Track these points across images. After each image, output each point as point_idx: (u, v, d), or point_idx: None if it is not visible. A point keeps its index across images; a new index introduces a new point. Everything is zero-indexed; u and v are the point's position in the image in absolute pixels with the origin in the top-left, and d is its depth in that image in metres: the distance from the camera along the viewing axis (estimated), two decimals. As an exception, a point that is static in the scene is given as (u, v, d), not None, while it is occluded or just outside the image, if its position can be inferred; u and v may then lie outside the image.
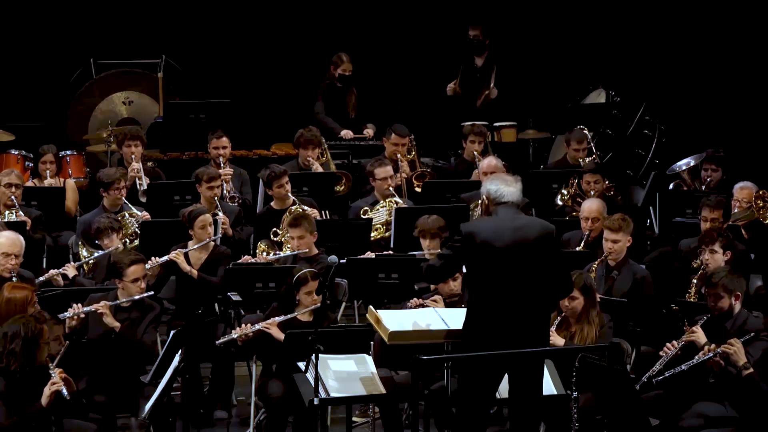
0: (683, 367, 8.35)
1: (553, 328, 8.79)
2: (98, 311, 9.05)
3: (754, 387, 8.18)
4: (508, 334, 7.56)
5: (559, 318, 8.88)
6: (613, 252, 9.96)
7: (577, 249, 10.48)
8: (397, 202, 11.47)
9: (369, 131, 13.64)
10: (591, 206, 10.73)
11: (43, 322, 8.01)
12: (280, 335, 8.96)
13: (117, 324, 9.07)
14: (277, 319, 9.09)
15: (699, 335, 8.49)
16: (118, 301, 9.19)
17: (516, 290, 7.60)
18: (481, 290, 7.65)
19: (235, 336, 9.06)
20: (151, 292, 9.42)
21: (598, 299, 9.08)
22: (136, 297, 9.21)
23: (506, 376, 7.74)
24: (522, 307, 7.60)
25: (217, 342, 9.09)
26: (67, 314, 8.99)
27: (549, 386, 8.20)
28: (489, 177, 7.96)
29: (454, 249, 7.71)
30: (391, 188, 11.62)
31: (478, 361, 7.58)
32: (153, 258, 10.12)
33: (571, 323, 8.90)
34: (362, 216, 11.50)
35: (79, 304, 9.08)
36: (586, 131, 12.94)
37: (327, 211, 11.88)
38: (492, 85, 14.24)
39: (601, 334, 8.79)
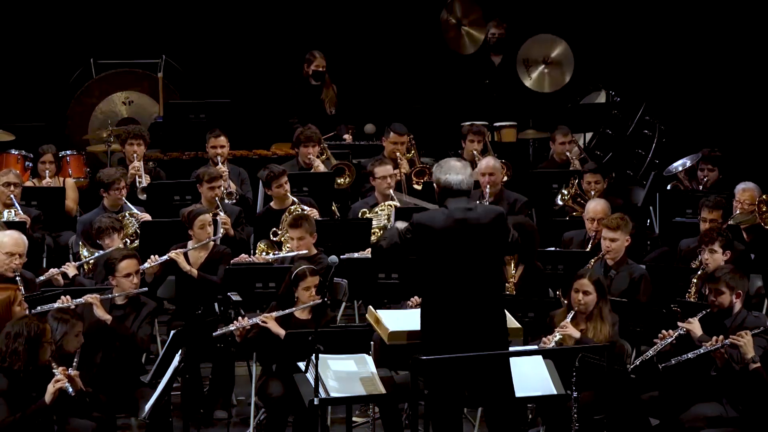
0: (690, 355, 8.35)
1: (567, 320, 8.79)
2: (88, 301, 9.06)
3: (759, 382, 8.18)
4: (464, 328, 7.56)
5: (571, 313, 8.86)
6: (611, 251, 9.96)
7: (586, 250, 10.48)
8: (396, 206, 11.45)
9: (348, 136, 13.68)
10: (596, 207, 10.72)
11: (46, 322, 8.02)
12: (279, 330, 8.96)
13: (108, 317, 9.06)
14: (275, 313, 9.09)
15: (695, 326, 8.49)
16: (110, 295, 9.19)
17: (468, 281, 7.60)
18: (432, 283, 7.66)
19: (232, 328, 9.06)
20: (145, 289, 9.41)
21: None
22: (130, 292, 9.21)
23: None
24: (476, 297, 7.60)
25: (213, 334, 9.07)
26: (55, 305, 8.97)
27: (549, 386, 8.20)
28: (438, 164, 7.95)
29: (405, 240, 7.68)
30: (391, 187, 11.62)
31: (442, 360, 7.57)
32: (152, 256, 10.13)
33: (580, 320, 8.87)
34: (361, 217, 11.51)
35: (68, 296, 9.08)
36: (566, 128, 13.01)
37: (335, 208, 11.90)
38: None
39: (613, 332, 8.78)
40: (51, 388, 7.83)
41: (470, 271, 7.63)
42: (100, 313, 9.07)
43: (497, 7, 14.69)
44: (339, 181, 12.38)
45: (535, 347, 8.54)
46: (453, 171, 7.77)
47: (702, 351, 8.35)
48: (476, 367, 7.63)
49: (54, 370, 7.89)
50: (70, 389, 7.84)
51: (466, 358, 7.53)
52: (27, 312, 8.64)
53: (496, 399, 7.73)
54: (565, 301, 9.25)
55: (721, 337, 8.34)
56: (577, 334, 8.73)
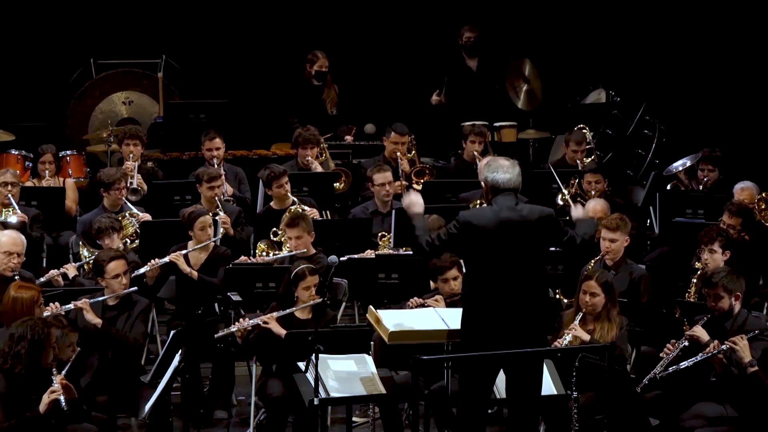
0: (687, 363, 8.34)
1: (576, 322, 8.78)
2: (77, 306, 9.05)
3: (758, 385, 8.17)
4: (506, 325, 7.59)
5: (580, 314, 8.85)
6: (610, 251, 9.94)
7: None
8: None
9: (349, 138, 13.67)
10: (595, 206, 10.71)
11: (51, 326, 7.99)
12: (280, 330, 8.96)
13: (98, 320, 9.06)
14: (275, 313, 9.09)
15: (701, 333, 8.46)
16: (100, 298, 9.18)
17: (513, 278, 7.63)
18: (477, 280, 7.70)
19: (233, 329, 9.06)
20: (135, 288, 9.39)
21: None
22: (120, 293, 9.19)
23: (504, 374, 7.77)
24: (517, 295, 7.63)
25: (215, 336, 9.07)
26: (45, 314, 8.94)
27: (549, 386, 8.20)
28: (487, 163, 8.00)
29: (450, 236, 7.72)
30: (389, 195, 11.59)
31: (476, 356, 7.60)
32: (153, 260, 10.12)
33: (588, 321, 8.86)
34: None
35: (57, 303, 9.06)
36: (586, 131, 12.95)
37: (328, 211, 11.88)
38: None
39: (620, 335, 8.77)
40: (46, 398, 7.74)
41: (513, 270, 7.65)
42: (90, 317, 9.06)
43: (473, 9, 14.72)
44: (335, 185, 12.36)
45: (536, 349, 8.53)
46: (501, 170, 7.84)
47: (699, 358, 8.34)
48: (512, 365, 7.66)
49: (53, 377, 7.81)
50: (63, 403, 7.72)
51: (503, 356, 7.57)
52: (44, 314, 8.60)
53: (526, 398, 7.75)
54: (566, 301, 9.26)
55: (716, 342, 8.33)
56: (586, 337, 8.71)
